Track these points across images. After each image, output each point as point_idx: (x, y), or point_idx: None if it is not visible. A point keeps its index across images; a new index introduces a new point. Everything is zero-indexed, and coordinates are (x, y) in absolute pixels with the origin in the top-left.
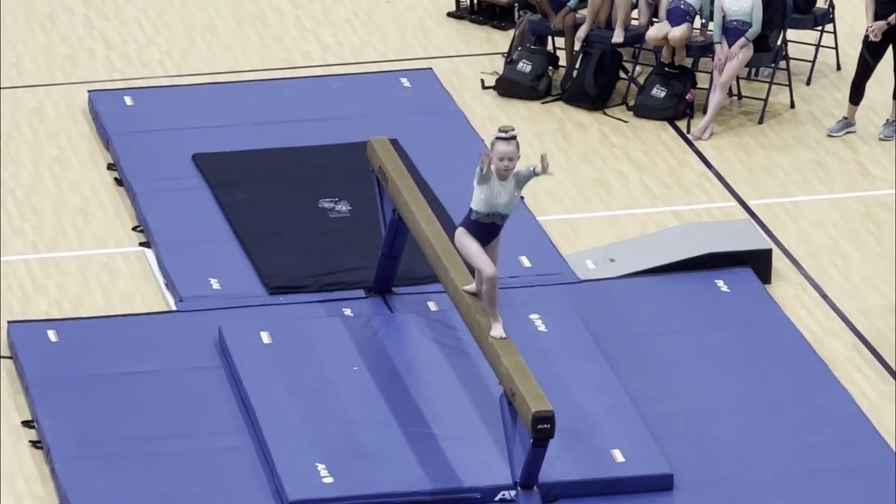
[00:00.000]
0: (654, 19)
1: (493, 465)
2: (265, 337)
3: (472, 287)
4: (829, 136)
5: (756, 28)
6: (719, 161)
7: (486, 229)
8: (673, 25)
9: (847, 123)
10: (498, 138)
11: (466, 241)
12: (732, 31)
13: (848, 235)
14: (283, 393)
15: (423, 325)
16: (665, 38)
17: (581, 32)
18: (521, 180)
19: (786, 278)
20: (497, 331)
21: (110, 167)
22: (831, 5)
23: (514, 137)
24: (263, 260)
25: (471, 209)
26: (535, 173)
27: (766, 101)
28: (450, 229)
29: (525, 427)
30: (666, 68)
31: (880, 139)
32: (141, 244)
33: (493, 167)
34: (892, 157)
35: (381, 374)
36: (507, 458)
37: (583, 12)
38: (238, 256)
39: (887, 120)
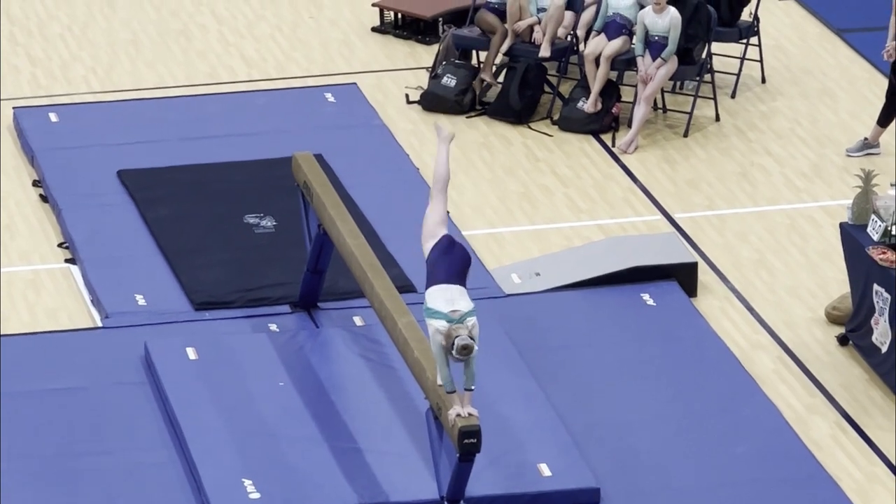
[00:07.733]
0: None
1: (419, 479)
2: (191, 353)
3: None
4: (848, 156)
5: (672, 48)
6: (644, 174)
7: None
8: (610, 39)
9: (867, 144)
10: (456, 360)
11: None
12: (655, 45)
13: (773, 248)
14: (210, 409)
15: (349, 340)
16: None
17: (504, 46)
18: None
19: (711, 291)
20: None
21: (35, 184)
22: (756, 18)
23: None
24: (189, 276)
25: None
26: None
27: (690, 114)
28: (375, 244)
29: (451, 441)
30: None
31: (847, 154)
32: (66, 260)
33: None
34: (817, 169)
35: (307, 389)
36: (434, 472)
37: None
38: (163, 272)
39: (865, 138)
